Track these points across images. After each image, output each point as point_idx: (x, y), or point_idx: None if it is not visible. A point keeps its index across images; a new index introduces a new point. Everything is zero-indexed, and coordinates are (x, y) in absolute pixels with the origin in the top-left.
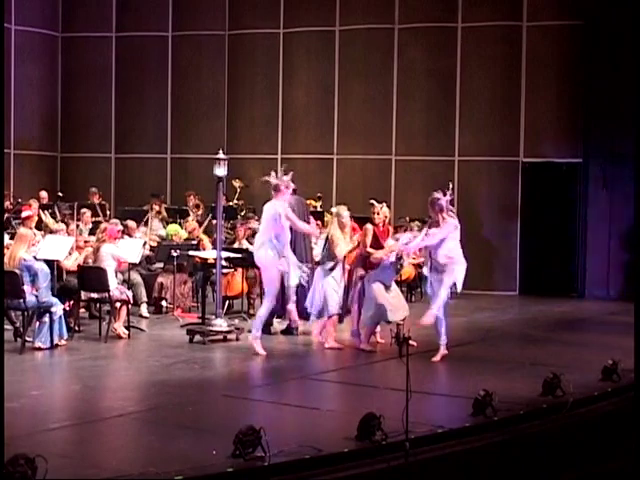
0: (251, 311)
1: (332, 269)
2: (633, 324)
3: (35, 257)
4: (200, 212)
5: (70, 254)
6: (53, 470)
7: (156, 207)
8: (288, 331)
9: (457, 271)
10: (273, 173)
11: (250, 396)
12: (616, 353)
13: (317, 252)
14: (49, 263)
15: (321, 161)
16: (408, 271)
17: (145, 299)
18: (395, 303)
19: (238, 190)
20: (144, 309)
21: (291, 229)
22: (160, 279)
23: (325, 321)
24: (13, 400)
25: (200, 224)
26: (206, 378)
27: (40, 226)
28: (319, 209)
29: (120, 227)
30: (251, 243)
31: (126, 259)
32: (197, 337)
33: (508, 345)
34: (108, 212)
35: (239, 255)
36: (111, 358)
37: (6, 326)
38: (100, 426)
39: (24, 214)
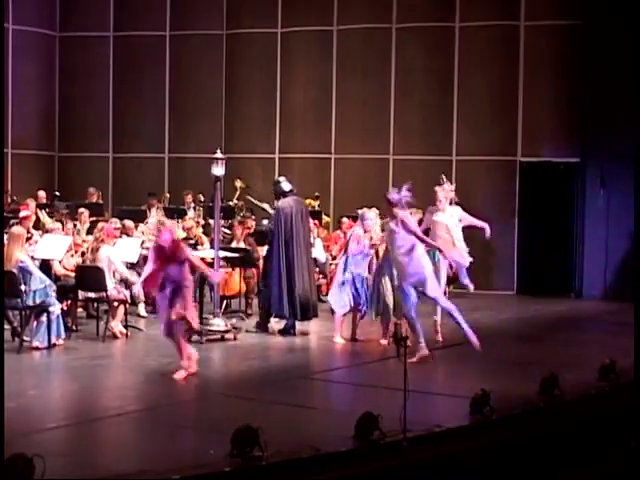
0: (249, 311)
1: None
2: (630, 323)
3: (33, 257)
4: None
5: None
6: (51, 470)
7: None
8: (286, 331)
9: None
10: None
11: (247, 395)
12: (613, 352)
13: (316, 251)
14: (44, 266)
15: (319, 160)
16: None
17: (143, 298)
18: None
19: (239, 190)
20: (142, 308)
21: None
22: None
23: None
24: (11, 400)
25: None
26: (204, 377)
27: (38, 225)
28: (317, 208)
29: (119, 226)
30: (249, 243)
31: (118, 268)
32: (195, 336)
33: (506, 344)
34: (106, 212)
35: (237, 254)
36: (109, 357)
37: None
38: (98, 426)
39: (22, 214)
